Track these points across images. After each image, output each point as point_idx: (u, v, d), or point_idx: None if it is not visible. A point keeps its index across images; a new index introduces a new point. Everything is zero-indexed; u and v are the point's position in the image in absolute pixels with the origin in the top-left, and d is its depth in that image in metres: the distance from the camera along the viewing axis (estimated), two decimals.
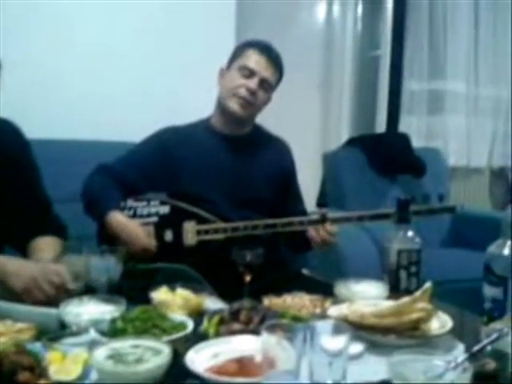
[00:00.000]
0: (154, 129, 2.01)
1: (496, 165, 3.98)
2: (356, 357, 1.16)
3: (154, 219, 1.83)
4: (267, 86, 1.92)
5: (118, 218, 1.75)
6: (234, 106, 1.90)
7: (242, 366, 1.03)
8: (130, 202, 1.83)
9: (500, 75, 3.85)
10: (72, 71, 2.58)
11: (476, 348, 1.12)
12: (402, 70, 3.71)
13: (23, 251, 1.69)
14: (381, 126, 3.71)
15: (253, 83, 1.88)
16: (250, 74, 1.88)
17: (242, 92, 1.88)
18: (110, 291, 1.38)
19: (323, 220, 1.77)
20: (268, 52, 1.92)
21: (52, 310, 1.31)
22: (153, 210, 1.83)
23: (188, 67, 2.75)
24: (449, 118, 3.80)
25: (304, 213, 1.98)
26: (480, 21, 3.79)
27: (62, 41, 2.57)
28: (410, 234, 1.52)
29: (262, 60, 1.90)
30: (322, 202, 3.03)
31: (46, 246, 1.71)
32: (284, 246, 2.03)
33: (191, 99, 2.58)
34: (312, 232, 1.80)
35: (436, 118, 3.79)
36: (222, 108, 1.95)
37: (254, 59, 1.89)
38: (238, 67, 1.90)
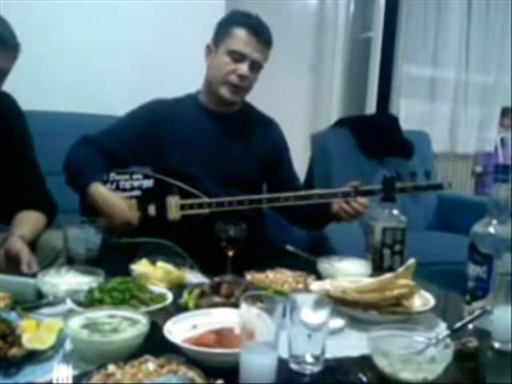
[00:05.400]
0: (141, 102, 1.97)
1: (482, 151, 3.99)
2: (336, 331, 1.15)
3: (137, 193, 1.79)
4: (257, 67, 1.86)
5: (99, 190, 1.70)
6: (225, 92, 1.85)
7: (221, 337, 1.01)
8: (113, 176, 1.79)
9: (489, 62, 3.84)
10: (60, 45, 2.53)
11: (458, 325, 1.11)
12: (393, 53, 3.70)
13: (9, 222, 1.66)
14: (371, 108, 3.70)
15: (244, 68, 1.81)
16: (240, 57, 1.81)
17: (234, 79, 1.82)
18: (89, 263, 1.36)
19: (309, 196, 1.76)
20: (257, 30, 1.83)
21: (29, 280, 1.29)
22: (136, 183, 1.79)
23: (176, 41, 2.70)
24: (439, 103, 3.79)
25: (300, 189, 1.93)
26: (473, 7, 3.76)
27: (50, 14, 2.52)
28: (395, 212, 1.51)
29: (252, 41, 1.81)
30: (309, 183, 3.00)
31: (29, 219, 1.68)
32: (288, 223, 2.02)
33: (179, 73, 2.53)
34: (342, 205, 1.76)
35: (426, 102, 3.78)
36: (211, 90, 1.90)
37: (243, 41, 1.81)
38: (227, 51, 1.82)
